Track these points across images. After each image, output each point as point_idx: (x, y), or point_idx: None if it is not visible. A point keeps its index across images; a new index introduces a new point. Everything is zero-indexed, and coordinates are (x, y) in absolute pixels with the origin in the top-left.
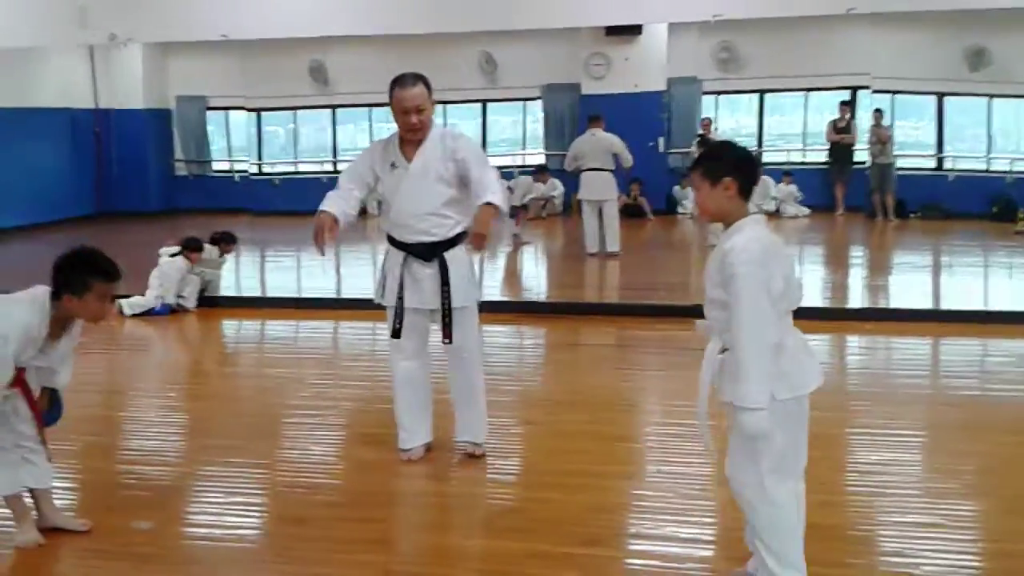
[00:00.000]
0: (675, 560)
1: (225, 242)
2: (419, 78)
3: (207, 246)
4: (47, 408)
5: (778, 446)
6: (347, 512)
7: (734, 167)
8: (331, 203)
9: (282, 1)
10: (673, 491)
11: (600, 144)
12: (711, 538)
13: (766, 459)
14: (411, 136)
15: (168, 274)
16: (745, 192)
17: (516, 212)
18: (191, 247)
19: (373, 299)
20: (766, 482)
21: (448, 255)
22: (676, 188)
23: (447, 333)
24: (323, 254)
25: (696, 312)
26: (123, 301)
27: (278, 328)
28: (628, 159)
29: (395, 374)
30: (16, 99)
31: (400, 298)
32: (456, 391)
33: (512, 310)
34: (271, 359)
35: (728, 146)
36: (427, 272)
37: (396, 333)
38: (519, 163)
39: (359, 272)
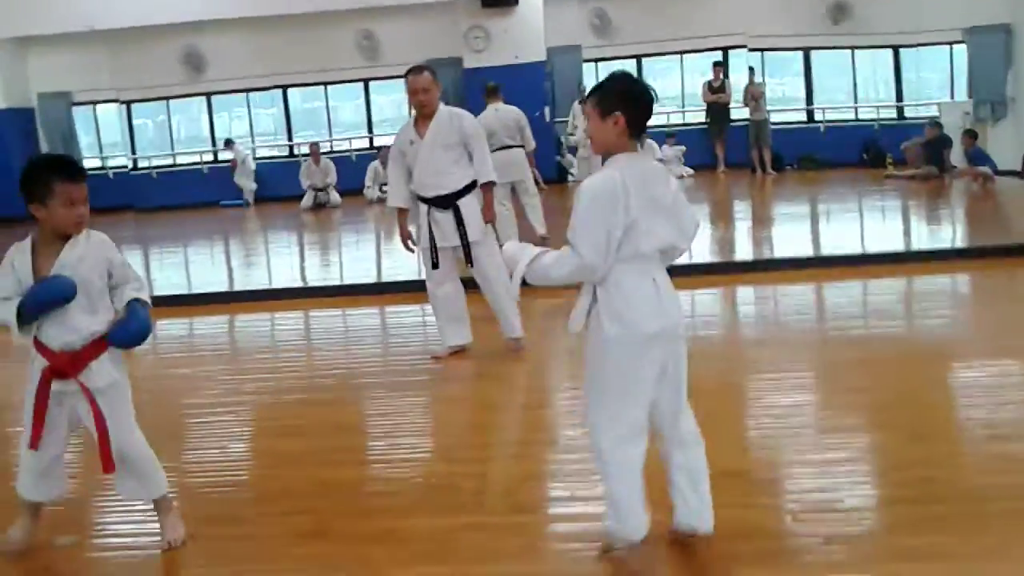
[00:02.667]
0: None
1: None
2: (426, 68)
3: None
4: (122, 322)
5: (609, 383)
6: (276, 507)
7: (624, 101)
8: (396, 196)
9: None
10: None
11: (506, 118)
12: None
13: (596, 394)
14: (422, 112)
15: None
16: (634, 128)
17: None
18: None
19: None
20: (595, 421)
21: (460, 202)
22: (564, 157)
23: (469, 259)
24: (411, 251)
25: None
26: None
27: (173, 326)
28: (531, 139)
29: (434, 298)
30: None
31: (432, 238)
32: (490, 301)
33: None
34: (169, 359)
35: (624, 79)
36: (445, 217)
37: (435, 264)
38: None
39: (252, 263)
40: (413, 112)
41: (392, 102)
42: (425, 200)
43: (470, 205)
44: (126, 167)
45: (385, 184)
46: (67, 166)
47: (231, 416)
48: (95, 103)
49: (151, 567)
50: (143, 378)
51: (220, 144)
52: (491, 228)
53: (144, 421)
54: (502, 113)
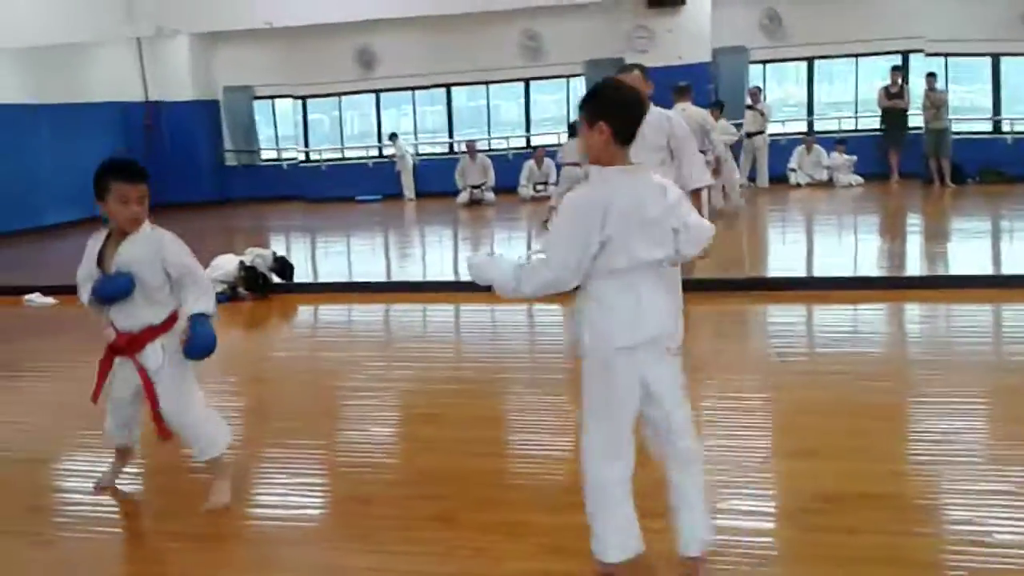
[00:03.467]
0: (737, 533)
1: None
2: (635, 66)
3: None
4: (186, 341)
5: (591, 398)
6: (410, 490)
7: (609, 110)
8: None
9: None
10: (730, 463)
11: (693, 121)
12: (771, 510)
13: (584, 411)
14: None
15: (223, 265)
16: (621, 137)
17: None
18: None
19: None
20: (583, 437)
21: None
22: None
23: None
24: None
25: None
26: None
27: (332, 313)
28: (718, 144)
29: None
30: (68, 95)
31: None
32: None
33: None
34: (326, 343)
35: (610, 87)
36: None
37: None
38: (563, 142)
39: (408, 255)
40: None
41: (553, 102)
42: None
43: None
44: (299, 159)
45: (540, 183)
46: (124, 168)
47: (378, 400)
48: (274, 97)
49: (296, 533)
50: (302, 360)
51: (386, 139)
52: None
53: (301, 400)
54: (689, 114)
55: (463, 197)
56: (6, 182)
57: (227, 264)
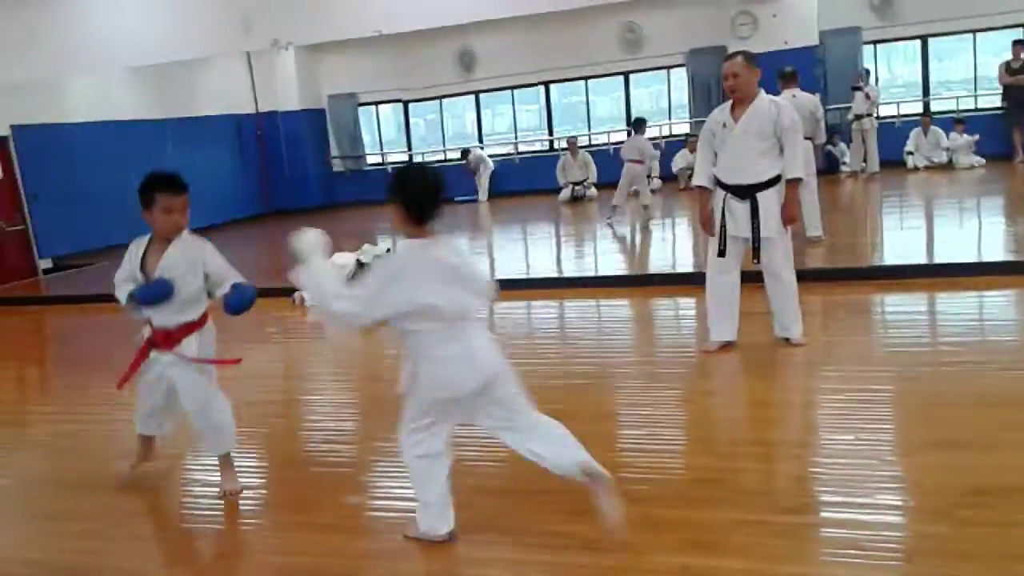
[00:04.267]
0: (884, 528)
1: None
2: (739, 53)
3: (374, 248)
4: (229, 295)
5: (421, 414)
6: (542, 484)
7: (400, 194)
8: (701, 176)
9: None
10: (871, 457)
11: (804, 108)
12: (918, 504)
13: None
14: (732, 96)
15: (340, 262)
16: (417, 216)
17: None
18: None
19: None
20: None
21: (760, 195)
22: (836, 145)
23: (756, 255)
24: (712, 234)
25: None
26: (304, 294)
27: None
28: (823, 132)
29: (709, 284)
30: (186, 109)
31: (723, 226)
32: (772, 298)
33: (673, 283)
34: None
35: (403, 173)
36: (741, 207)
37: (721, 253)
38: (664, 134)
39: (510, 253)
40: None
41: (651, 94)
42: (724, 186)
43: (770, 199)
44: (403, 162)
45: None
46: (168, 181)
47: None
48: (377, 103)
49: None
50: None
51: (487, 139)
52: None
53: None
54: (799, 101)
55: (564, 194)
56: (134, 194)
57: (346, 264)
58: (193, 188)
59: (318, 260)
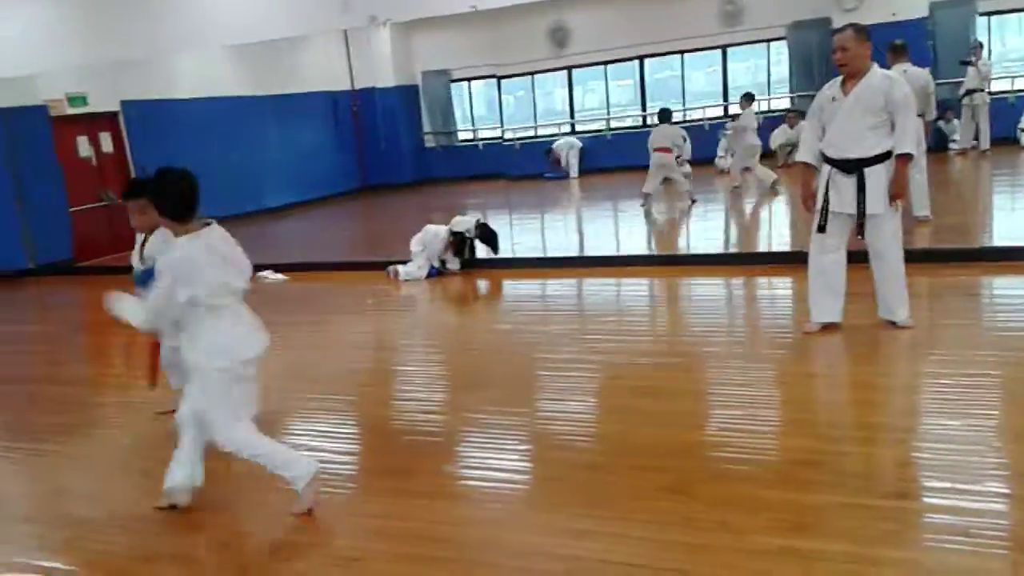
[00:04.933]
0: (978, 515)
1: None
2: (850, 25)
3: (463, 218)
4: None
5: (233, 399)
6: (638, 460)
7: (151, 193)
8: (806, 152)
9: None
10: (981, 444)
11: (915, 82)
12: (1007, 491)
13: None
14: (841, 71)
15: (429, 242)
16: (172, 213)
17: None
18: (457, 238)
19: None
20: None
21: (867, 170)
22: (949, 122)
23: (861, 231)
24: (812, 211)
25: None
26: (399, 267)
27: (533, 286)
28: (934, 108)
29: (812, 263)
30: (285, 86)
31: (826, 201)
32: (877, 279)
33: (768, 262)
34: (530, 316)
35: (159, 177)
36: (847, 182)
37: (822, 228)
38: (764, 109)
39: (600, 231)
40: None
41: (748, 68)
42: (831, 161)
43: (878, 175)
44: (494, 138)
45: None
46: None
47: (588, 373)
48: (469, 80)
49: (531, 497)
50: (508, 331)
51: (579, 115)
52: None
53: (511, 370)
54: (911, 76)
55: (686, 168)
56: (236, 169)
57: (438, 232)
58: (291, 164)
59: (122, 304)
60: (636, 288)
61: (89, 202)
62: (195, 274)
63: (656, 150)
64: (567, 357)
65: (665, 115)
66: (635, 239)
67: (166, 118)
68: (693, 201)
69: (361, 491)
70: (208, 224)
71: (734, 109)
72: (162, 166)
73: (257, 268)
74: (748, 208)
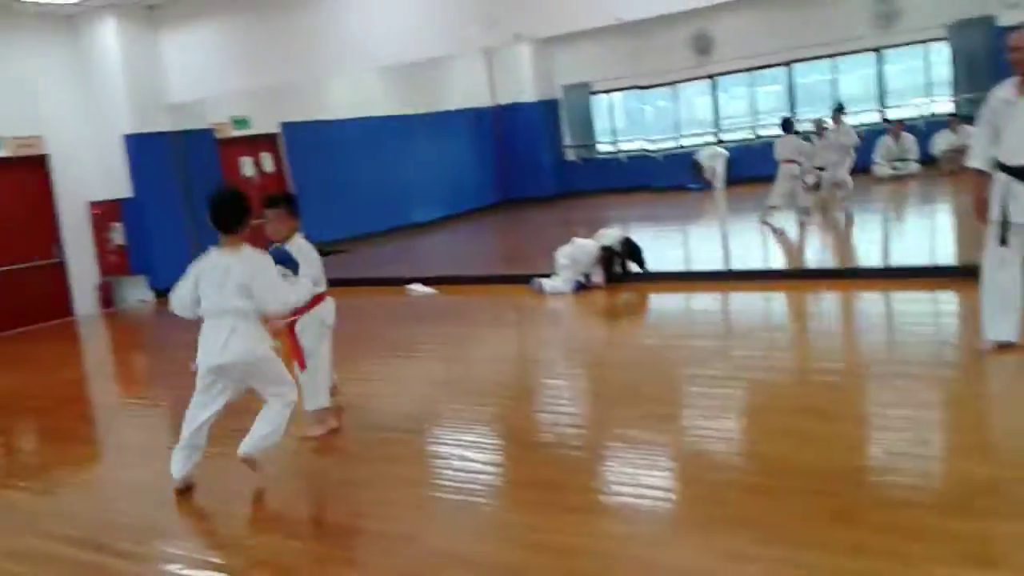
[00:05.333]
0: None
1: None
2: None
3: (610, 231)
4: None
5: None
6: (803, 483)
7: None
8: (977, 157)
9: None
10: None
11: None
12: None
13: None
14: (1019, 71)
15: (577, 256)
16: (215, 226)
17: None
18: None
19: None
20: None
21: None
22: None
23: None
24: (986, 222)
25: None
26: (544, 281)
27: (679, 300)
28: None
29: (986, 278)
30: (430, 104)
31: (1004, 212)
32: None
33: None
34: (679, 330)
35: (211, 196)
36: None
37: (1003, 241)
38: (925, 113)
39: (747, 243)
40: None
41: (905, 71)
42: (1007, 168)
43: None
44: (635, 150)
45: (898, 160)
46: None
47: (739, 391)
48: (610, 91)
49: (688, 515)
50: (658, 346)
51: (723, 124)
52: None
53: (664, 386)
54: None
55: (810, 179)
56: (384, 186)
57: (587, 247)
58: (435, 180)
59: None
60: (786, 303)
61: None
62: (199, 282)
63: (783, 162)
64: (718, 373)
65: (787, 125)
66: (783, 251)
67: (322, 138)
68: (806, 215)
69: (511, 502)
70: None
71: (892, 114)
72: (217, 189)
73: (406, 281)
74: (907, 218)
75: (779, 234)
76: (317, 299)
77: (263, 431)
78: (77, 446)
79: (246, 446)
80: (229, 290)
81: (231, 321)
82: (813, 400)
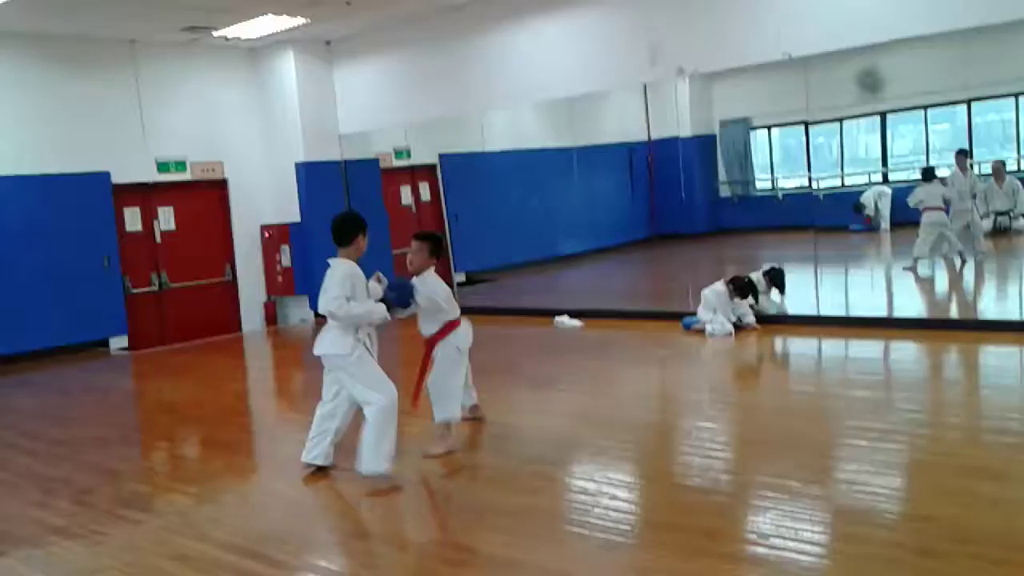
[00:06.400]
0: None
1: (771, 278)
2: None
3: (757, 276)
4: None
5: None
6: (979, 549)
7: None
8: None
9: (839, 10)
10: None
11: None
12: None
13: None
14: None
15: (714, 301)
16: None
17: None
18: (735, 283)
19: None
20: None
21: None
22: None
23: None
24: None
25: None
26: (706, 324)
27: (836, 347)
28: None
29: None
30: (585, 138)
31: None
32: None
33: None
34: (837, 378)
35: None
36: None
37: None
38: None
39: (910, 288)
40: None
41: None
42: None
43: None
44: (795, 188)
45: None
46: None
47: (902, 446)
48: (770, 127)
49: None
50: (814, 394)
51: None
52: None
53: (806, 435)
54: None
55: (986, 224)
56: (535, 217)
57: (716, 287)
58: (586, 213)
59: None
60: (952, 355)
61: (405, 246)
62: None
63: (927, 210)
64: (880, 427)
65: (928, 174)
66: (950, 300)
67: (477, 169)
68: (963, 261)
69: (658, 545)
70: None
71: None
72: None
73: (554, 313)
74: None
75: (929, 282)
76: (450, 326)
77: (363, 444)
78: (239, 456)
79: (358, 465)
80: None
81: (328, 321)
82: (989, 461)
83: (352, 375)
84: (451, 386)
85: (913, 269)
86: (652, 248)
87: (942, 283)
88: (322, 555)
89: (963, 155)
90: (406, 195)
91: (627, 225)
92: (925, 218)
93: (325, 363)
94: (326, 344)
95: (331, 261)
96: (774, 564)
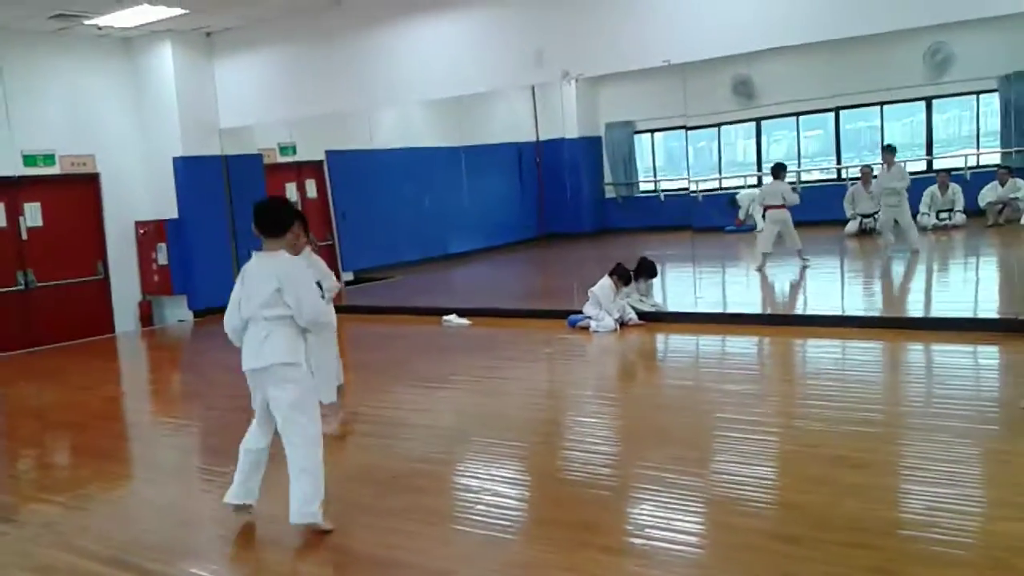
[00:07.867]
0: None
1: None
2: None
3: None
4: None
5: None
6: (839, 536)
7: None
8: None
9: (716, 20)
10: None
11: None
12: None
13: None
14: None
15: (601, 297)
16: (257, 231)
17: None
18: (618, 273)
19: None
20: None
21: None
22: None
23: None
24: None
25: None
26: (590, 320)
27: (711, 343)
28: None
29: None
30: (473, 137)
31: None
32: None
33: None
34: (711, 373)
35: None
36: None
37: None
38: (972, 164)
39: (785, 287)
40: None
41: (951, 120)
42: None
43: None
44: (675, 190)
45: (944, 211)
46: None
47: (774, 438)
48: (653, 131)
49: (713, 566)
50: (690, 388)
51: (766, 168)
52: None
53: (695, 430)
54: None
55: (851, 227)
56: (424, 216)
57: (601, 286)
58: (478, 212)
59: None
60: (825, 350)
61: None
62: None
63: (769, 208)
64: (753, 419)
65: (778, 171)
66: (824, 296)
67: (365, 166)
68: (805, 267)
69: (540, 540)
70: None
71: (939, 164)
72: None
73: (442, 312)
74: (950, 270)
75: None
76: None
77: (296, 492)
78: (110, 463)
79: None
80: (254, 299)
81: (264, 323)
82: (852, 451)
83: (305, 391)
84: (322, 369)
85: (761, 267)
86: (540, 247)
87: (818, 280)
88: (195, 562)
89: (890, 152)
90: (291, 192)
91: (516, 224)
92: (768, 216)
93: (264, 378)
94: (278, 351)
95: (271, 256)
96: (651, 555)
